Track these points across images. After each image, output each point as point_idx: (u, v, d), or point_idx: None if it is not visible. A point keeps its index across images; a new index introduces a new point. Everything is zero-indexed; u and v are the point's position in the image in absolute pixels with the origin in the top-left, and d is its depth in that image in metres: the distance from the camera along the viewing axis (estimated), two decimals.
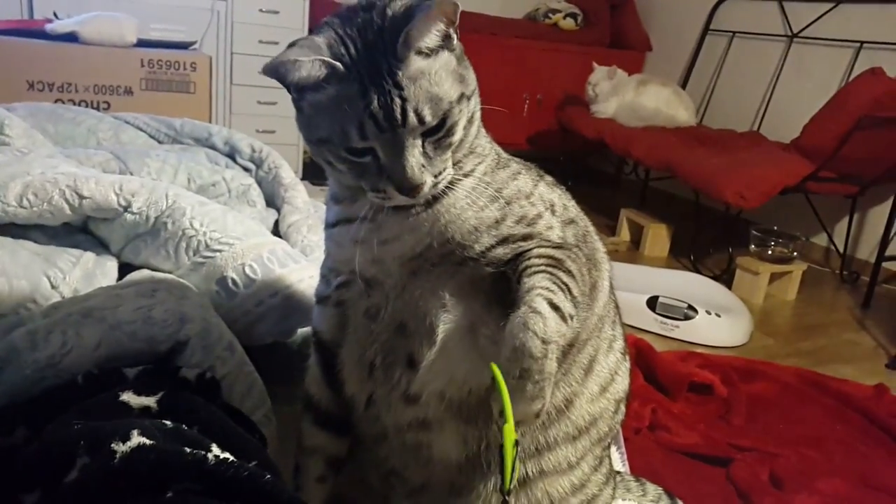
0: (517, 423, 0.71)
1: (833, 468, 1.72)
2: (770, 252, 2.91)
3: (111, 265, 1.14)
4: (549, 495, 0.90)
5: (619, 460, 1.39)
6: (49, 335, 0.91)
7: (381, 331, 0.86)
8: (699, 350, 2.29)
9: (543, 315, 0.73)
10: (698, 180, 2.91)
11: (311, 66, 0.74)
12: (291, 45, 0.75)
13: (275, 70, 0.74)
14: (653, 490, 1.24)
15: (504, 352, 0.72)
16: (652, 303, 2.48)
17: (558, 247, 0.83)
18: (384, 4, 0.77)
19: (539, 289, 0.75)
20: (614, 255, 3.19)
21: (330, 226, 0.89)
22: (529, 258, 0.80)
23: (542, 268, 0.78)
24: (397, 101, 0.73)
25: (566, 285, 0.78)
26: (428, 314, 0.82)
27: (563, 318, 0.74)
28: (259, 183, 1.75)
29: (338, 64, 0.73)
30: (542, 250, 0.81)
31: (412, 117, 0.73)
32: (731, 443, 1.77)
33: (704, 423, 1.85)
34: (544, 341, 0.71)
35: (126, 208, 1.13)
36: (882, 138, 2.78)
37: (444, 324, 0.82)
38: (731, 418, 1.90)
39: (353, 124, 0.73)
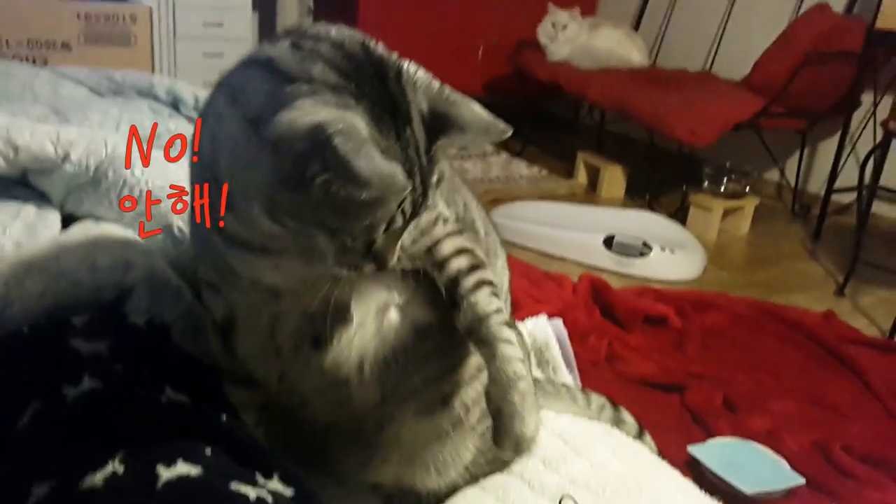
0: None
1: (784, 390, 1.79)
2: (723, 189, 2.96)
3: (54, 217, 1.11)
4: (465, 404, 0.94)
5: (571, 380, 1.42)
6: None
7: (287, 321, 0.84)
8: (655, 286, 2.33)
9: (511, 341, 0.80)
10: (651, 119, 2.93)
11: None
12: (339, 131, 0.62)
13: (321, 148, 0.62)
14: (597, 400, 1.28)
15: (499, 386, 0.79)
16: (608, 242, 2.52)
17: (459, 231, 0.87)
18: (401, 84, 0.69)
19: (493, 315, 0.82)
20: (572, 198, 3.25)
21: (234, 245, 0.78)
22: (443, 250, 0.84)
23: (473, 277, 0.83)
24: (423, 202, 0.71)
25: (489, 283, 0.84)
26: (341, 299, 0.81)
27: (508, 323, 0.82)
28: None
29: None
30: (453, 241, 0.85)
31: (423, 211, 0.72)
32: (685, 371, 1.82)
33: (659, 354, 1.90)
34: (521, 360, 0.80)
35: (64, 158, 1.09)
36: (829, 73, 2.83)
37: (357, 302, 0.82)
38: (685, 348, 1.95)
39: (383, 221, 0.68)
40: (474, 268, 0.84)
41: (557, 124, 4.41)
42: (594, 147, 3.72)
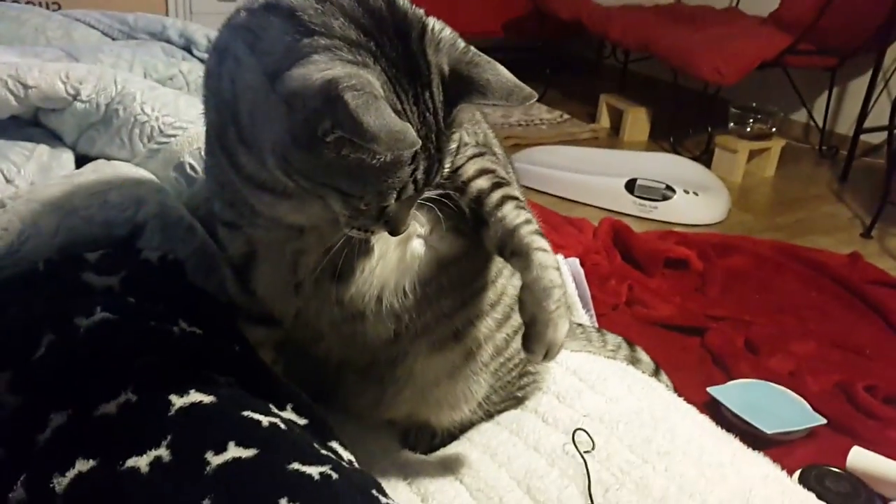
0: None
1: (806, 332, 1.76)
2: (748, 129, 2.89)
3: (67, 157, 1.11)
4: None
5: (587, 320, 1.42)
6: (7, 224, 0.90)
7: (310, 256, 0.84)
8: (677, 229, 2.30)
9: (545, 248, 0.79)
10: (675, 58, 2.85)
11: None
12: (350, 87, 0.60)
13: (332, 103, 0.60)
14: (612, 340, 1.28)
15: (535, 294, 0.77)
16: (630, 185, 2.47)
17: (481, 154, 0.86)
18: (423, 44, 0.67)
19: (523, 225, 0.80)
20: (594, 143, 3.19)
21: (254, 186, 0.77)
22: (466, 173, 0.83)
23: (498, 193, 0.82)
24: (438, 169, 0.70)
25: (515, 197, 0.83)
26: None
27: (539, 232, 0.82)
28: None
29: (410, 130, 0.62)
30: (474, 162, 0.84)
31: (438, 179, 0.71)
32: (706, 313, 1.81)
33: (680, 296, 1.88)
34: (556, 267, 0.78)
35: (75, 97, 1.08)
36: (861, 6, 2.72)
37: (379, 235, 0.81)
38: (706, 290, 1.93)
39: (394, 188, 0.67)
40: (498, 185, 0.83)
41: (579, 66, 4.32)
42: (617, 89, 3.64)
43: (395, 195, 0.67)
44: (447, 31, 0.70)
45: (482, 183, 0.82)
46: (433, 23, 0.69)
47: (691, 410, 1.10)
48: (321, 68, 0.62)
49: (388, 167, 0.64)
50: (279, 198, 0.75)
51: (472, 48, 0.71)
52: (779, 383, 1.49)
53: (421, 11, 0.70)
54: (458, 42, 0.70)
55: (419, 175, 0.68)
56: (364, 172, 0.64)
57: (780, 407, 1.42)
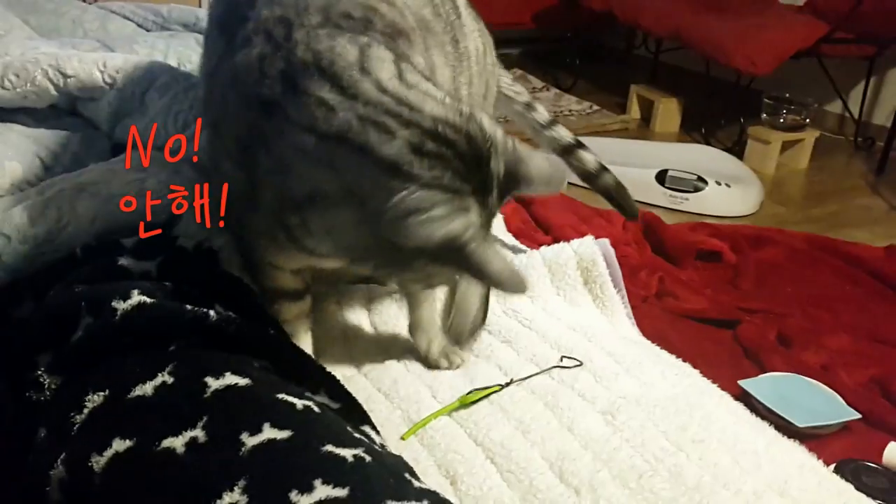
0: None
1: (841, 326, 1.73)
2: (782, 120, 2.84)
3: (103, 145, 1.13)
4: None
5: (619, 301, 1.42)
6: (45, 211, 0.92)
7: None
8: (709, 221, 2.27)
9: None
10: (707, 48, 2.80)
11: None
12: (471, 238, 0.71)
13: (455, 254, 0.71)
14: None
15: None
16: (661, 177, 2.44)
17: None
18: (491, 162, 0.75)
19: None
20: (624, 134, 3.16)
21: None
22: None
23: None
24: None
25: None
26: None
27: None
28: None
29: None
30: None
31: None
32: (739, 306, 1.78)
33: (712, 289, 1.86)
34: None
35: (112, 85, 1.10)
36: None
37: None
38: (739, 283, 1.90)
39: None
40: None
41: (610, 57, 4.27)
42: (648, 80, 3.59)
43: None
44: (500, 134, 0.77)
45: None
46: (495, 135, 0.76)
47: (725, 397, 1.09)
48: (440, 223, 0.70)
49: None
50: (323, 258, 0.85)
51: (515, 141, 0.79)
52: (812, 377, 1.47)
53: (486, 126, 0.76)
54: (508, 141, 0.77)
55: None
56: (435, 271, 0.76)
57: (812, 401, 1.40)
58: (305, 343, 1.04)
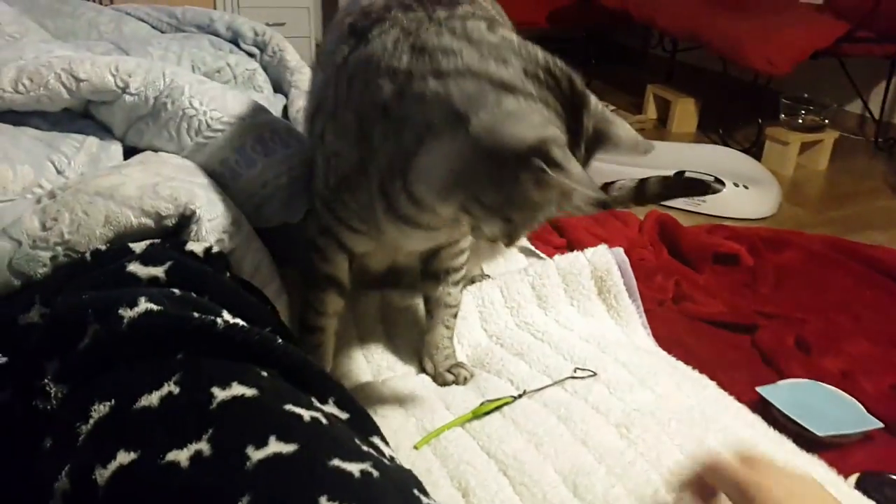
0: None
1: (861, 331, 1.70)
2: (800, 121, 2.81)
3: (116, 149, 1.13)
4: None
5: (634, 310, 1.40)
6: (57, 215, 0.91)
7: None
8: (726, 223, 2.24)
9: None
10: (725, 47, 2.77)
11: None
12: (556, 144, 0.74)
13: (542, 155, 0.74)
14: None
15: None
16: (678, 178, 2.41)
17: None
18: (584, 115, 0.80)
19: None
20: (640, 134, 3.13)
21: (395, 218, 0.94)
22: None
23: None
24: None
25: None
26: None
27: None
28: (265, 68, 1.70)
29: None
30: None
31: None
32: (756, 310, 1.76)
33: (729, 292, 1.83)
34: None
35: (124, 90, 1.09)
36: None
37: None
38: (757, 287, 1.87)
39: (544, 219, 0.83)
40: None
41: (626, 56, 4.25)
42: (664, 79, 3.57)
43: (539, 224, 0.82)
44: (593, 97, 0.83)
45: None
46: (586, 93, 0.82)
47: (742, 409, 1.07)
48: (533, 125, 0.75)
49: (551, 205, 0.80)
50: (413, 228, 0.92)
51: (606, 106, 0.85)
52: (831, 384, 1.44)
53: (578, 84, 0.82)
54: (597, 103, 0.84)
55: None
56: (539, 207, 0.79)
57: (832, 408, 1.37)
58: (330, 344, 1.14)
